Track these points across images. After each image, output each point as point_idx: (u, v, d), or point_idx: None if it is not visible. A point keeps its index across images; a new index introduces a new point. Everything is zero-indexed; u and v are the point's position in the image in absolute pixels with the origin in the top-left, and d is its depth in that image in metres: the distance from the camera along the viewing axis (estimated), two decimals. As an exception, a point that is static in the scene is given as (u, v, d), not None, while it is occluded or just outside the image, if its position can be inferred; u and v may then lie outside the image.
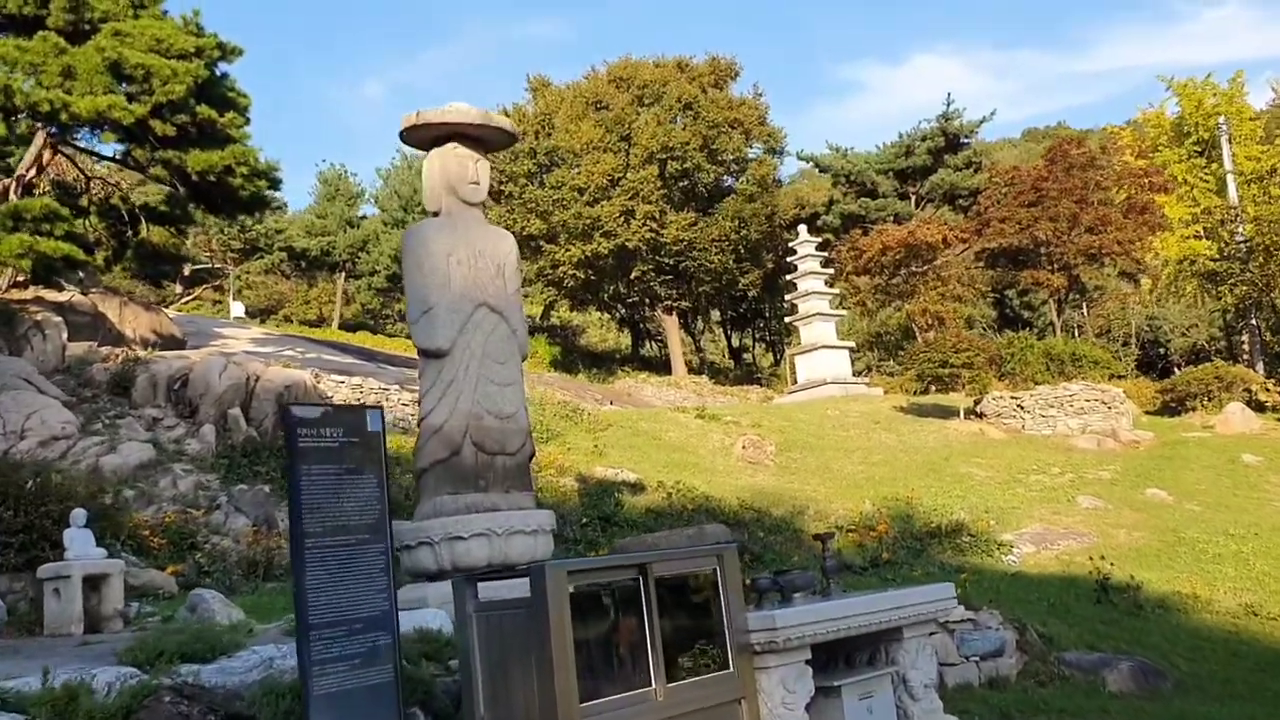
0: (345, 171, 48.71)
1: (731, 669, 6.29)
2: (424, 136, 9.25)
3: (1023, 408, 26.62)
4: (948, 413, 27.29)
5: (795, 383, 34.40)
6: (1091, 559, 13.64)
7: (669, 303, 38.16)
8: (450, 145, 9.24)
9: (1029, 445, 24.12)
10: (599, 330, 55.36)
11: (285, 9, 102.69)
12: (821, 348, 32.35)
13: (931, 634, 8.09)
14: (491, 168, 32.96)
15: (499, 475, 8.86)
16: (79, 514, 9.14)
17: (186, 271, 42.66)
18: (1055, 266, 37.19)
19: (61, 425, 14.10)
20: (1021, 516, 17.82)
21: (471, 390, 8.78)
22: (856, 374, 34.42)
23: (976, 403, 27.51)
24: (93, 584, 9.03)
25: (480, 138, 9.35)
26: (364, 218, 48.08)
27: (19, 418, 13.98)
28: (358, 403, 17.73)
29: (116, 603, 9.07)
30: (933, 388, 29.71)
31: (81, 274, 21.86)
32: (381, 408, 5.51)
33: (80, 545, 9.01)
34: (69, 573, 8.77)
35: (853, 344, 35.22)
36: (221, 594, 9.26)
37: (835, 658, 7.73)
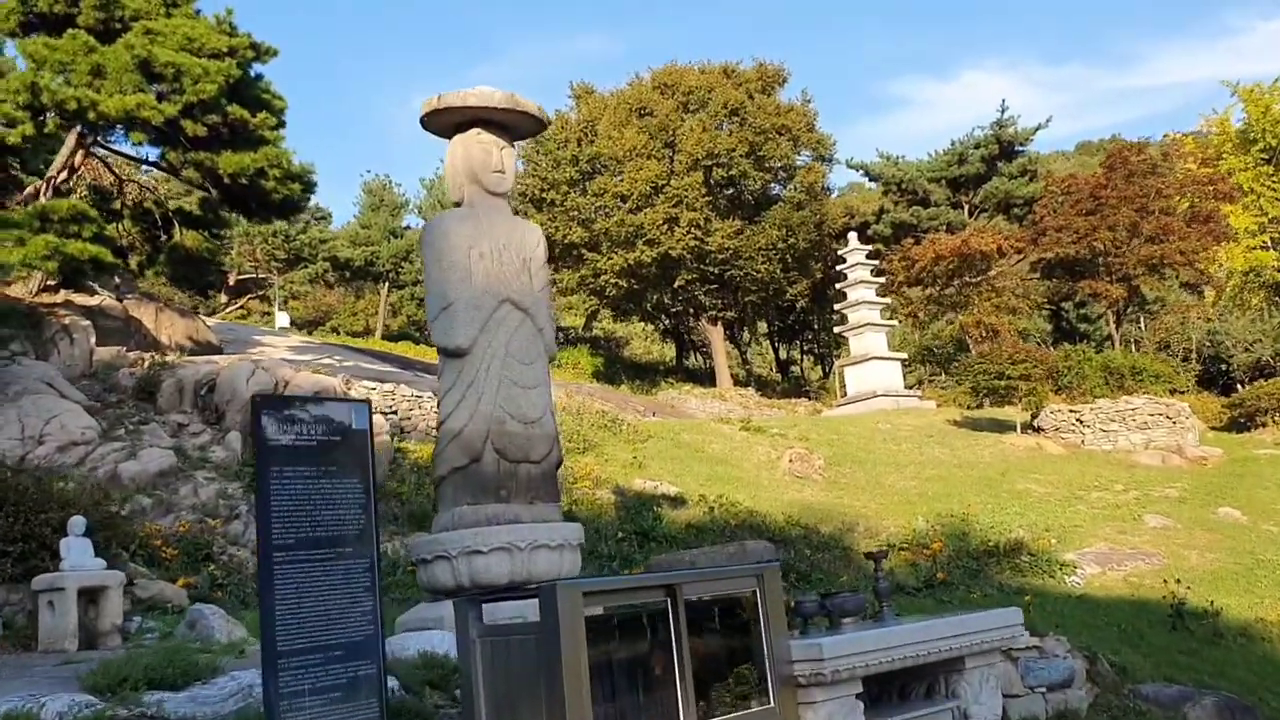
0: (390, 182, 48.55)
1: (772, 704, 5.58)
2: (446, 122, 8.62)
3: (1082, 422, 25.55)
4: (1003, 427, 26.28)
5: (844, 395, 33.49)
6: (1167, 582, 12.68)
7: (714, 313, 37.36)
8: (474, 131, 8.61)
9: (1089, 461, 23.07)
10: (642, 342, 54.68)
11: (333, 26, 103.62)
12: (872, 359, 31.40)
13: (995, 664, 7.30)
14: (533, 175, 32.40)
15: (522, 485, 8.18)
16: (77, 521, 8.58)
17: (232, 281, 42.65)
18: (1114, 277, 35.94)
19: (81, 430, 13.65)
20: (1085, 535, 16.84)
21: (493, 393, 8.12)
22: (907, 387, 33.40)
23: (1034, 416, 26.47)
24: (90, 597, 8.47)
25: (506, 123, 8.70)
26: (408, 228, 47.82)
27: (38, 422, 13.56)
28: (389, 410, 17.17)
29: (115, 617, 8.49)
30: (987, 401, 28.71)
31: (118, 280, 21.59)
32: (369, 401, 4.84)
33: (77, 555, 8.45)
34: (63, 584, 8.21)
35: (904, 355, 34.22)
36: (228, 609, 8.66)
37: (888, 690, 6.96)
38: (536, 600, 4.97)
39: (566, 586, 4.72)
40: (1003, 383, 25.03)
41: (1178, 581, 12.76)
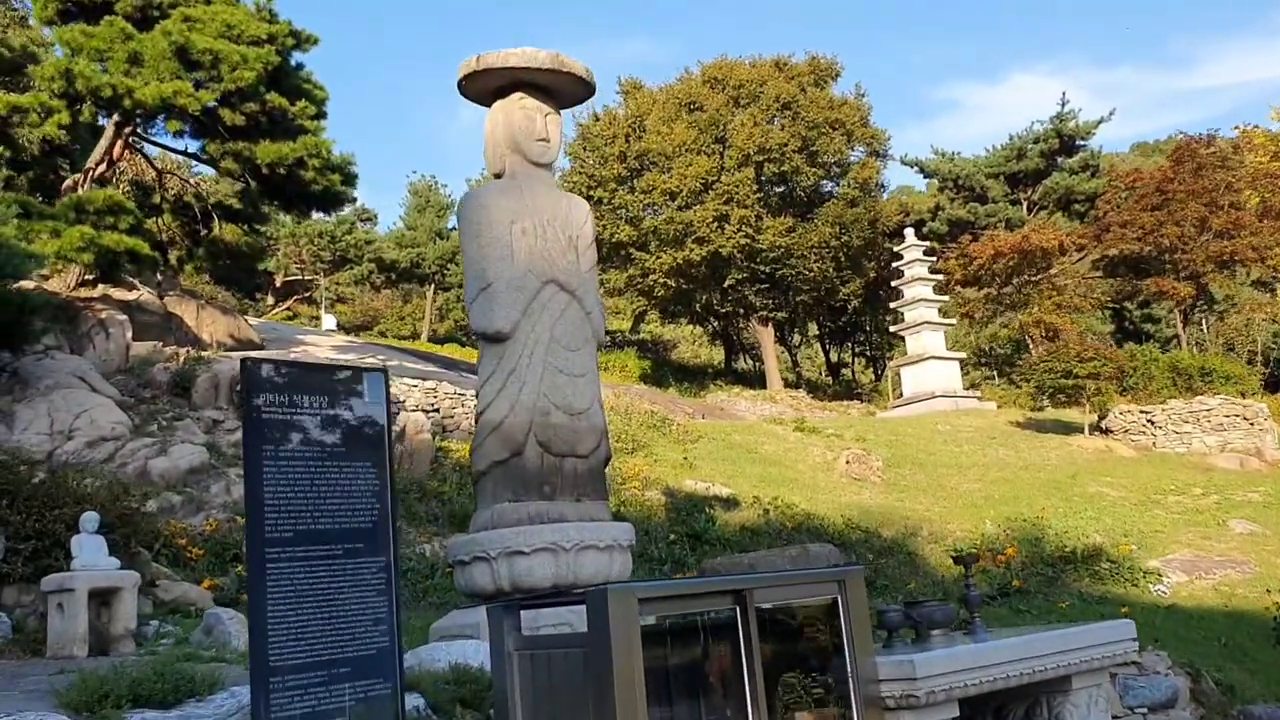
0: (435, 182, 48.17)
1: (857, 730, 4.76)
2: (485, 86, 7.92)
3: (1153, 423, 24.39)
4: (1069, 428, 25.20)
5: (898, 396, 32.46)
6: (1270, 592, 11.66)
7: (764, 313, 36.41)
8: (515, 96, 7.90)
9: (1163, 464, 21.93)
10: (690, 345, 53.86)
11: (379, 32, 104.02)
12: (930, 358, 30.35)
13: (1103, 684, 6.44)
14: (579, 172, 31.44)
15: (568, 481, 7.46)
16: (89, 517, 7.97)
17: (278, 283, 42.47)
18: (1182, 274, 34.52)
19: (112, 426, 13.13)
20: (1166, 541, 15.79)
21: (537, 381, 7.40)
22: (965, 389, 32.27)
23: (1101, 418, 25.36)
24: (103, 599, 7.84)
25: (550, 87, 7.97)
26: (454, 229, 47.50)
27: (68, 417, 13.06)
28: (431, 408, 16.52)
29: (128, 621, 7.86)
30: (1048, 403, 27.59)
31: (160, 277, 21.22)
32: (385, 370, 4.12)
33: (89, 554, 7.83)
34: (72, 585, 7.59)
35: (963, 354, 33.09)
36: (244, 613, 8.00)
37: (981, 712, 6.13)
38: (583, 607, 4.22)
39: (619, 591, 3.97)
40: (1070, 382, 23.90)
41: (1273, 592, 11.75)
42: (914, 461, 21.18)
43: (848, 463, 19.74)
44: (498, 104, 7.95)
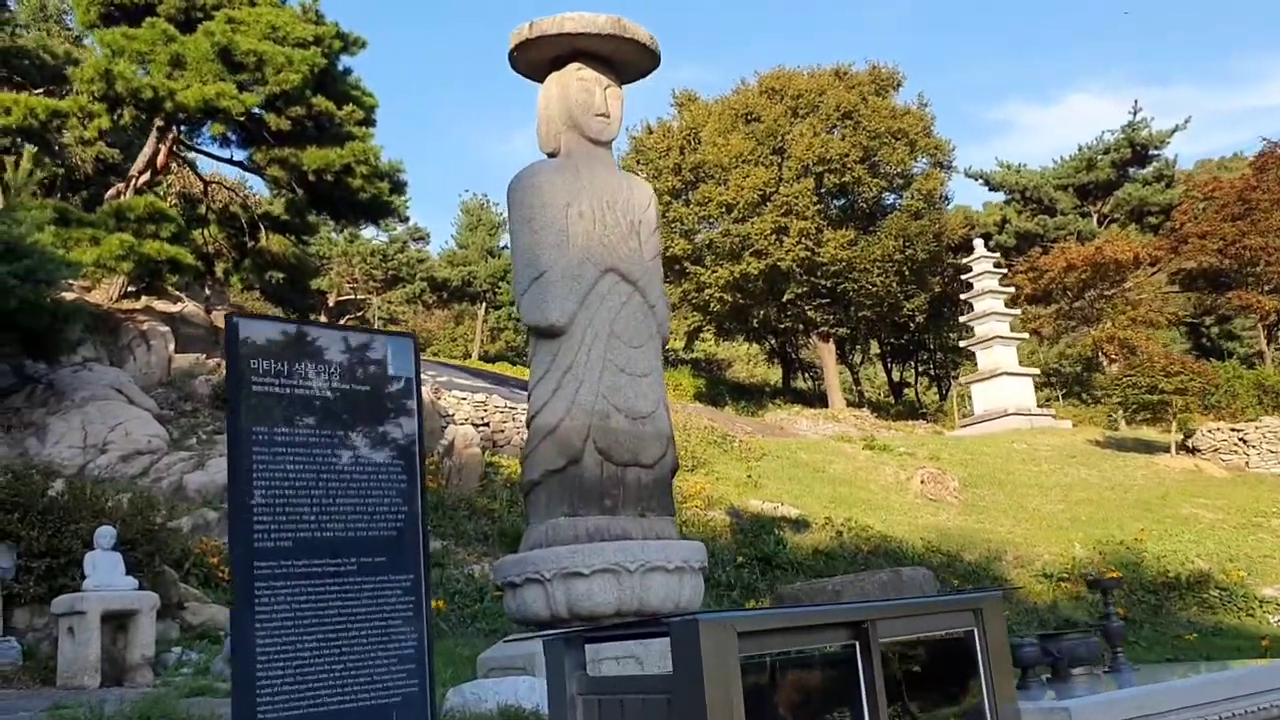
0: (487, 201, 47.84)
1: (1001, 791, 3.79)
2: (539, 57, 7.11)
3: (1246, 442, 22.97)
4: (1151, 447, 23.86)
5: (966, 415, 31.21)
6: None
7: (825, 329, 35.29)
8: (572, 66, 7.07)
9: (1259, 485, 20.54)
10: (745, 365, 52.79)
11: (433, 62, 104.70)
12: (1002, 374, 29.06)
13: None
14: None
15: (631, 493, 6.58)
16: (104, 532, 7.23)
17: (331, 302, 42.18)
18: (1266, 288, 32.91)
19: (148, 439, 12.50)
20: (1277, 567, 14.51)
21: (595, 380, 6.54)
22: (1038, 406, 30.91)
23: (1187, 436, 23.96)
24: (118, 623, 7.09)
25: (611, 57, 7.15)
26: (504, 248, 47.09)
27: (102, 429, 12.45)
28: (481, 422, 15.72)
29: (146, 647, 7.09)
30: (1125, 421, 26.23)
31: (209, 291, 20.76)
32: (413, 334, 3.26)
33: (104, 572, 7.09)
34: (84, 607, 6.85)
35: (1036, 370, 31.72)
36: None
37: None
38: (658, 640, 3.32)
39: (714, 622, 3.06)
40: (1155, 397, 22.57)
41: None
42: (992, 481, 20.01)
43: (922, 482, 18.63)
44: (552, 76, 7.15)
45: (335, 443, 2.90)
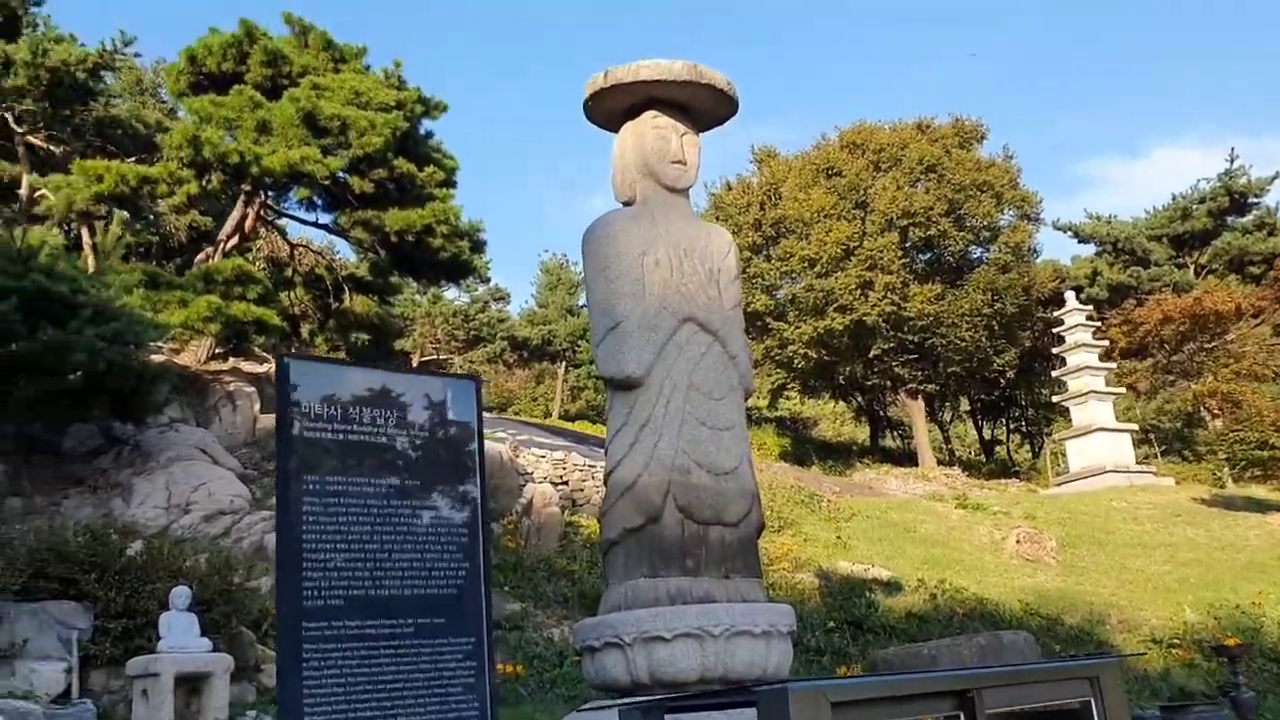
0: (566, 260, 48.31)
1: None
2: (615, 107, 6.98)
3: (1367, 499, 21.70)
4: (1263, 506, 22.65)
5: (1060, 473, 30.15)
6: None
7: (913, 385, 34.55)
8: (647, 114, 6.90)
9: (1387, 546, 19.33)
10: (831, 423, 51.97)
11: (518, 127, 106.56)
12: (1098, 430, 28.04)
13: None
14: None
15: (714, 554, 6.27)
16: (179, 592, 7.13)
17: (415, 363, 42.71)
18: (1379, 338, 31.44)
19: (230, 499, 12.53)
20: None
21: (674, 434, 6.27)
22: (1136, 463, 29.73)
23: (1302, 493, 22.78)
24: (192, 685, 6.96)
25: (687, 104, 6.98)
26: (584, 306, 47.35)
27: (186, 490, 12.51)
28: (560, 480, 15.50)
29: (219, 711, 6.94)
30: (1230, 479, 25.02)
31: (294, 351, 21.03)
32: (477, 377, 3.03)
33: (178, 634, 6.97)
34: (158, 669, 6.72)
35: (1134, 426, 30.56)
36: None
37: None
38: (744, 710, 3.02)
39: (805, 691, 2.75)
40: (1265, 453, 21.49)
41: None
42: (1091, 541, 19.15)
43: (1018, 542, 17.89)
44: (627, 125, 7.00)
45: (391, 492, 2.68)
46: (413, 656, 2.65)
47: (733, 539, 6.38)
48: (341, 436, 2.62)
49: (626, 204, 6.88)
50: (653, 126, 6.90)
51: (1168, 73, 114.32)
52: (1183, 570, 17.48)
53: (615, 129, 7.11)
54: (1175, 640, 13.37)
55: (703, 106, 7.05)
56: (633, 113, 6.95)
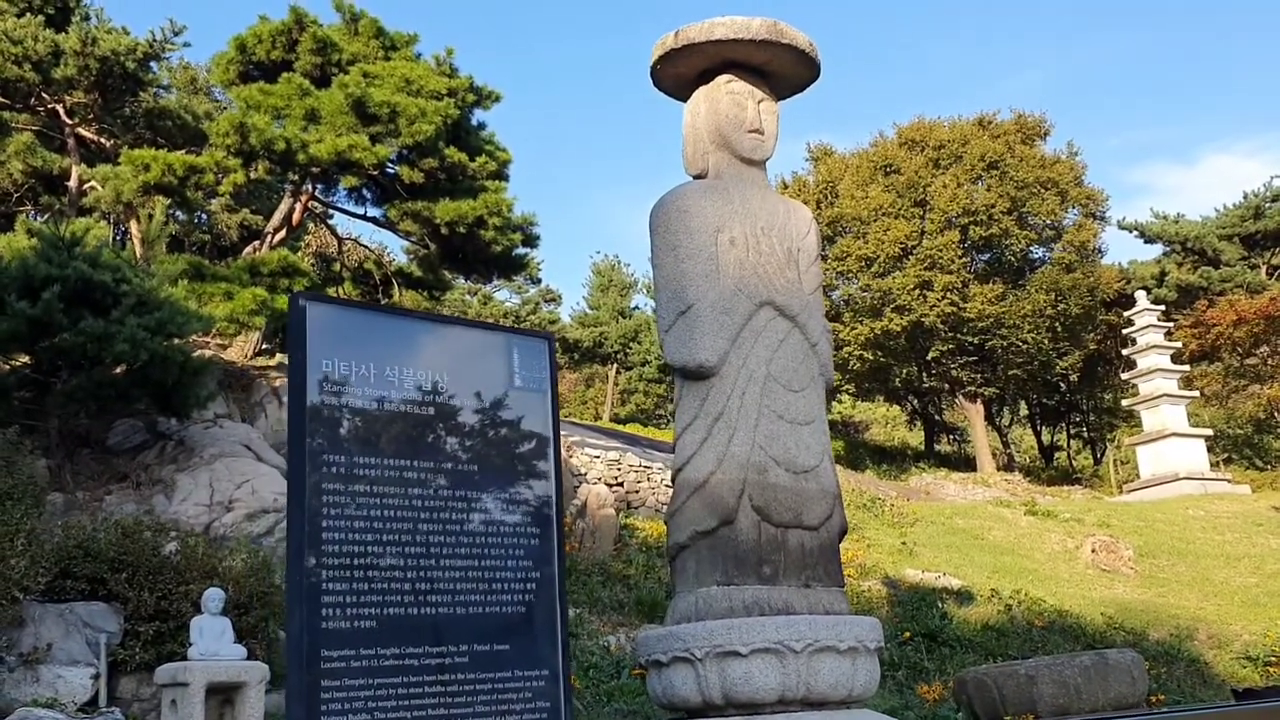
0: (619, 262, 47.92)
1: None
2: (685, 72, 6.41)
3: None
4: (1350, 515, 21.55)
5: (1125, 480, 29.07)
6: None
7: (972, 389, 33.58)
8: (721, 79, 6.32)
9: None
10: (883, 427, 51.05)
11: (568, 127, 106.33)
12: (1170, 435, 26.94)
13: None
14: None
15: (794, 560, 5.66)
16: (212, 595, 6.62)
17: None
18: None
19: (274, 497, 12.09)
20: None
21: (750, 429, 5.67)
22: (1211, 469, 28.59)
23: (1392, 503, 21.63)
24: (225, 695, 6.45)
25: (765, 67, 6.40)
26: (636, 308, 46.85)
27: (229, 487, 12.10)
28: (615, 482, 14.92)
29: (253, 725, 6.44)
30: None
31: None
32: (551, 335, 2.42)
33: (210, 639, 6.47)
34: (187, 678, 6.22)
35: (1209, 431, 29.39)
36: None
37: None
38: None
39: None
40: (1355, 459, 20.41)
41: None
42: (1170, 551, 18.24)
43: (1094, 551, 17.03)
44: (699, 91, 6.41)
45: (440, 480, 2.08)
46: (468, 695, 2.03)
47: (813, 544, 5.79)
48: (375, 406, 2.01)
49: (698, 177, 6.30)
50: (727, 92, 6.32)
51: (1220, 78, 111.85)
52: (1271, 583, 16.55)
53: (685, 96, 6.54)
54: (1271, 658, 12.51)
55: (782, 70, 6.46)
56: (705, 78, 6.39)
